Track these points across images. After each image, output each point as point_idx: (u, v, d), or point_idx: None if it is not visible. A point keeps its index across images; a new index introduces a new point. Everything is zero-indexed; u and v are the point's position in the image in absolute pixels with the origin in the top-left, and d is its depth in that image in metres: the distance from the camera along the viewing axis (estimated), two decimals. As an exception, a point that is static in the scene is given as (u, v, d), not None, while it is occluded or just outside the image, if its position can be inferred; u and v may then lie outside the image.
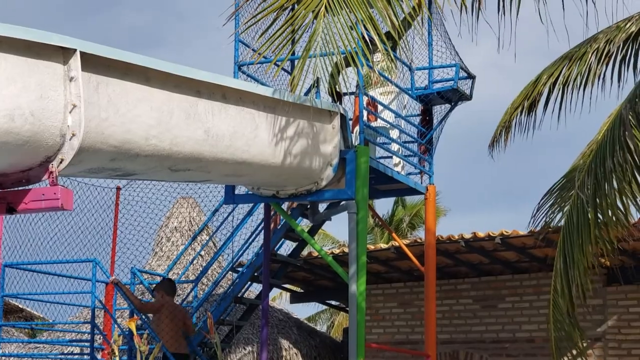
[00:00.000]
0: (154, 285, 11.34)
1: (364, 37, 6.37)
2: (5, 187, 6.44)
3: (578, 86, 10.28)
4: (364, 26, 6.28)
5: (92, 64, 6.42)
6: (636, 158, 8.02)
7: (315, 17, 5.64)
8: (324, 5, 5.54)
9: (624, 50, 9.60)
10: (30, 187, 6.40)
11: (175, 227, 15.64)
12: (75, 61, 6.25)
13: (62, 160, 6.29)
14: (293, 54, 10.36)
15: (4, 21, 5.84)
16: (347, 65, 8.51)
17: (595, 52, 9.78)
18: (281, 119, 8.60)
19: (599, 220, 8.45)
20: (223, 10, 6.35)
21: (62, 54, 6.24)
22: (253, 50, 10.48)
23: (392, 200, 25.70)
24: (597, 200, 8.29)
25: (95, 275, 10.77)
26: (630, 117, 7.92)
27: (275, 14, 6.27)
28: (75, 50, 6.25)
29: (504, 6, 6.06)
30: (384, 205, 26.44)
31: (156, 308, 10.81)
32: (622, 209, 8.41)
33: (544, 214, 10.84)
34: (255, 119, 8.29)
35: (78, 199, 11.13)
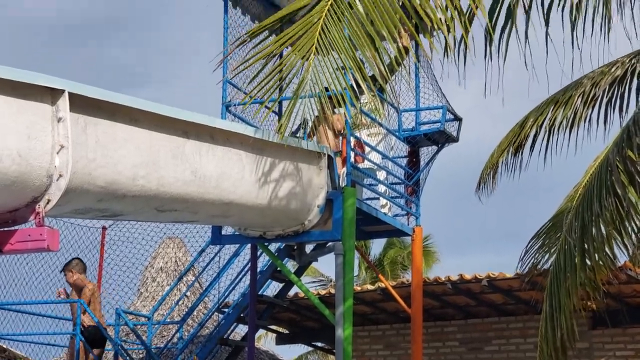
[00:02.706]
0: (69, 268, 10.84)
1: (352, 80, 6.40)
2: (-9, 227, 6.40)
3: (564, 129, 10.35)
4: (351, 70, 6.31)
5: (81, 104, 6.42)
6: (623, 202, 8.04)
7: (305, 60, 5.67)
8: (313, 50, 5.57)
9: (609, 94, 9.65)
10: (16, 227, 6.37)
11: (161, 267, 15.57)
12: (64, 102, 6.25)
13: (49, 201, 6.27)
14: (282, 95, 10.44)
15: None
16: (334, 106, 8.57)
17: (581, 95, 9.83)
18: (268, 160, 8.61)
19: (586, 264, 8.45)
20: (211, 46, 6.35)
21: (50, 95, 6.25)
22: (244, 92, 10.51)
23: (384, 240, 25.66)
24: (584, 243, 8.29)
25: (80, 316, 10.68)
26: (617, 161, 7.94)
27: (264, 59, 6.29)
28: (63, 91, 6.26)
29: (490, 52, 6.10)
30: (375, 245, 26.36)
31: (90, 292, 10.65)
32: (608, 252, 8.42)
33: (531, 257, 10.86)
34: (243, 160, 8.29)
35: (64, 238, 11.09)
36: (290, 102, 6.33)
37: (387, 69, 5.82)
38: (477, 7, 5.46)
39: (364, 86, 6.17)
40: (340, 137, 10.36)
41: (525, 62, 6.18)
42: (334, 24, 5.56)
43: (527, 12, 6.13)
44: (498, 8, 6.05)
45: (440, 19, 5.48)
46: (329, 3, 5.52)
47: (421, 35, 6.07)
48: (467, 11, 5.75)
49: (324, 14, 5.50)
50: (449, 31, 5.48)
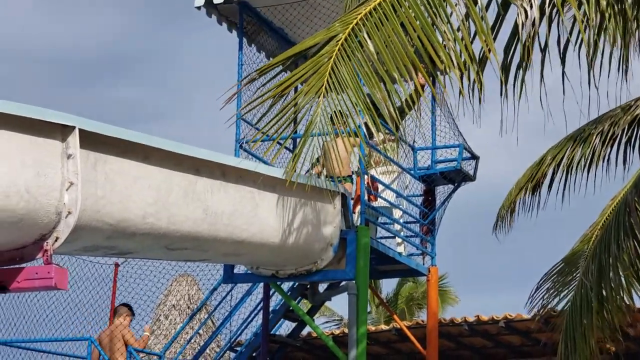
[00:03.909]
0: (122, 309, 11.18)
1: (366, 119, 6.33)
2: (-1, 265, 6.32)
3: (582, 168, 10.27)
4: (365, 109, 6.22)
5: (91, 141, 6.36)
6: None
7: (315, 100, 5.59)
8: (322, 91, 5.48)
9: (629, 133, 9.56)
10: (23, 265, 6.28)
11: (174, 304, 15.46)
12: (74, 138, 6.19)
13: (57, 238, 6.19)
14: (295, 132, 10.37)
15: (-1, 93, 5.80)
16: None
17: (600, 134, 9.75)
18: (281, 197, 8.52)
19: (604, 307, 8.31)
20: (226, 83, 6.26)
21: (60, 131, 6.19)
22: (256, 129, 10.45)
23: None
24: (602, 287, 8.15)
25: (91, 354, 10.57)
26: (636, 202, 7.82)
27: (275, 97, 6.22)
28: (74, 127, 6.20)
29: (506, 90, 6.01)
30: (389, 283, 26.11)
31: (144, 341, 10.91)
32: (626, 298, 8.28)
33: (540, 297, 10.76)
34: (255, 198, 8.21)
35: (76, 275, 11.01)
36: (300, 141, 6.25)
37: (397, 111, 5.71)
38: (489, 51, 5.36)
39: (373, 129, 6.09)
40: (354, 175, 10.27)
41: (541, 102, 6.08)
42: (345, 64, 5.47)
43: (543, 51, 6.04)
44: (513, 46, 5.96)
45: (452, 61, 5.38)
46: (340, 42, 5.43)
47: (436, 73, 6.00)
48: (480, 52, 5.65)
49: (334, 53, 5.41)
50: (462, 73, 5.39)
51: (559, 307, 10.48)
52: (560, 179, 10.54)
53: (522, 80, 6.00)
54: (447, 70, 5.26)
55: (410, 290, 26.18)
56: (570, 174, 10.40)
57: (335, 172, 9.59)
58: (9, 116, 5.82)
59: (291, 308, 10.46)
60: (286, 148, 11.05)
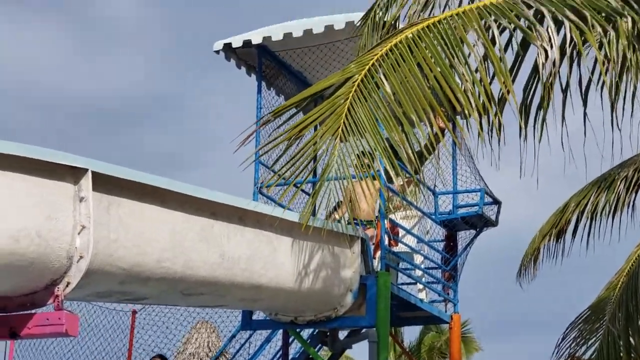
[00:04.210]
0: None
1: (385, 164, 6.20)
2: (9, 311, 6.19)
3: (607, 214, 10.15)
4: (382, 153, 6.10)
5: (105, 184, 6.25)
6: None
7: (332, 143, 5.45)
8: (339, 133, 5.35)
9: (654, 179, 9.42)
10: (34, 311, 6.15)
11: (192, 352, 15.28)
12: (87, 181, 6.09)
13: (68, 283, 6.06)
14: (314, 175, 10.27)
15: (23, 140, 5.72)
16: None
17: (624, 180, 9.62)
18: (300, 242, 8.38)
19: (631, 355, 8.10)
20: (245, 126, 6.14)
21: (72, 174, 6.09)
22: (272, 171, 10.35)
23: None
24: (629, 335, 7.95)
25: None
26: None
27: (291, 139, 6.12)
28: (86, 170, 6.10)
29: (525, 132, 5.87)
30: (411, 332, 25.77)
31: None
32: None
33: (567, 347, 10.57)
34: (273, 242, 8.07)
35: (92, 322, 10.86)
36: (317, 185, 6.12)
37: (416, 155, 5.57)
38: (508, 92, 5.23)
39: (392, 173, 5.96)
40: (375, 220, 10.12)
41: (562, 144, 5.94)
42: (362, 105, 5.34)
43: (565, 92, 5.90)
44: (533, 87, 5.83)
45: (471, 104, 5.25)
46: (356, 83, 5.31)
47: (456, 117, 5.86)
48: (499, 93, 5.52)
49: (350, 94, 5.29)
50: (481, 117, 5.25)
51: (586, 356, 10.28)
52: (585, 225, 10.41)
53: (543, 121, 5.87)
54: (467, 113, 5.13)
55: (433, 339, 25.84)
56: (595, 220, 10.26)
57: (363, 214, 9.46)
58: (21, 158, 5.73)
59: (310, 356, 10.27)
60: (303, 191, 10.93)
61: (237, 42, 10.38)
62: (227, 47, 10.44)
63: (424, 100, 5.17)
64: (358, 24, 8.88)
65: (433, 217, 11.12)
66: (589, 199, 10.48)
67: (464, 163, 11.30)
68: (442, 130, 8.24)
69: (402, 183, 10.14)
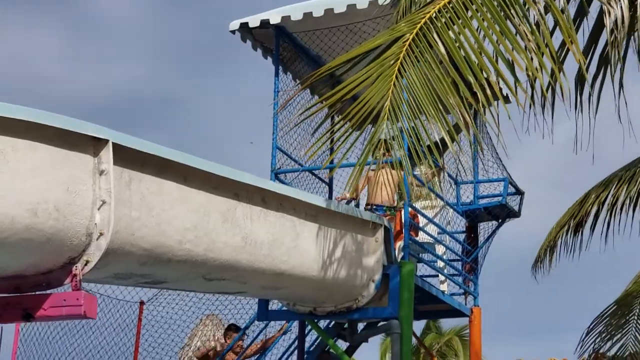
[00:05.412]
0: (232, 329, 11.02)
1: (409, 148, 5.82)
2: (23, 291, 5.75)
3: (627, 208, 9.88)
4: (410, 137, 5.71)
5: (126, 157, 5.81)
6: None
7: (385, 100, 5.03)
8: (389, 95, 4.92)
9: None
10: (50, 291, 5.72)
11: (199, 347, 14.81)
12: (107, 153, 5.64)
13: (87, 262, 5.61)
14: (332, 162, 9.85)
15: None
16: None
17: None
18: (323, 228, 7.96)
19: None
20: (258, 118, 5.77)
21: (92, 145, 5.64)
22: (293, 160, 9.95)
23: (421, 323, 24.65)
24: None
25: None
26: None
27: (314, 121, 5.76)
28: (107, 141, 5.66)
29: (581, 102, 5.48)
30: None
31: None
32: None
33: (592, 340, 10.27)
34: (297, 227, 7.65)
35: (99, 312, 10.44)
36: (358, 162, 5.71)
37: (472, 118, 5.15)
38: (571, 42, 4.80)
39: (416, 161, 5.58)
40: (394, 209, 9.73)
41: (619, 116, 5.56)
42: (411, 66, 4.91)
43: (623, 61, 5.52)
44: (590, 53, 5.44)
45: (533, 62, 4.84)
46: (407, 43, 4.87)
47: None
48: (558, 50, 5.12)
49: (401, 55, 4.85)
50: (546, 76, 4.84)
51: (612, 352, 9.98)
52: (605, 218, 10.11)
53: (599, 92, 5.48)
54: (531, 74, 4.71)
55: (433, 340, 25.39)
56: (615, 213, 9.96)
57: (382, 200, 9.06)
58: (42, 126, 5.30)
59: (327, 348, 9.84)
60: (320, 179, 10.55)
61: (254, 21, 9.99)
62: (244, 27, 10.05)
63: (483, 61, 4.75)
64: (383, 2, 8.50)
65: (455, 207, 10.74)
66: (609, 191, 10.22)
67: (487, 152, 10.94)
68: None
69: (432, 170, 9.74)
